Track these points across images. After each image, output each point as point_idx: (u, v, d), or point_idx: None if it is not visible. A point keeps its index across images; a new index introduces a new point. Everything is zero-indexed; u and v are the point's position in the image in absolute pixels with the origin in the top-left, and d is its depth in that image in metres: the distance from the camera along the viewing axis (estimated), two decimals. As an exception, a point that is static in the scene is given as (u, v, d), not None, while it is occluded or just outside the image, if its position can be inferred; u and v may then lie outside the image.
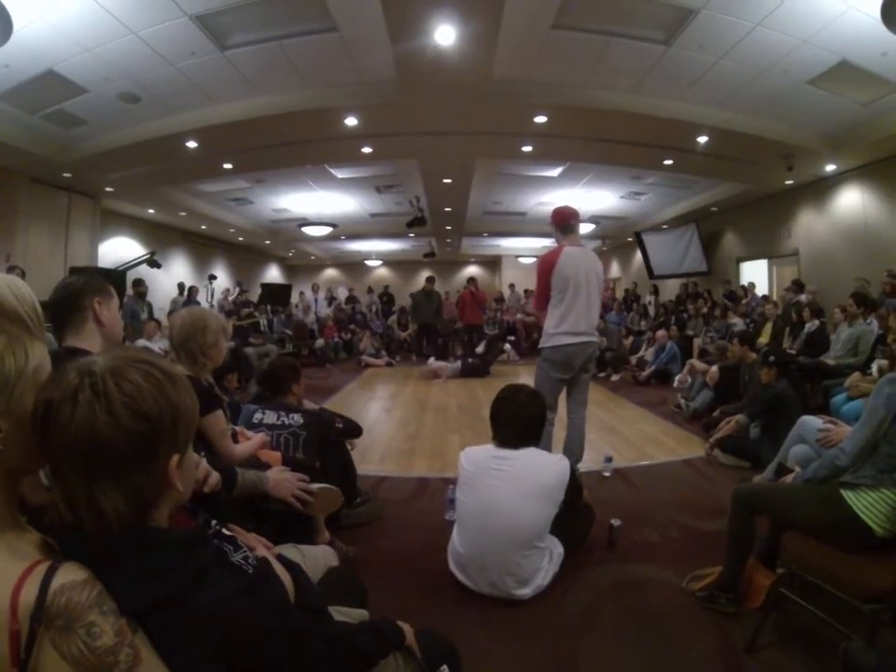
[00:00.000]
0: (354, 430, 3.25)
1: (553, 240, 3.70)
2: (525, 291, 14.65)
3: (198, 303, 9.73)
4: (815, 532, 1.91)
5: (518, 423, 2.40)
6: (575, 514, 2.57)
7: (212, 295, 11.63)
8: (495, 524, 2.24)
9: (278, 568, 1.01)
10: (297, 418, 2.84)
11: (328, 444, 2.97)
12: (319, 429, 2.91)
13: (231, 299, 11.95)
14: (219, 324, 2.16)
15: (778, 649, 1.94)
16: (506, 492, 2.25)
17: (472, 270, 20.89)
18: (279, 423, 2.81)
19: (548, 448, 3.50)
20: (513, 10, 4.40)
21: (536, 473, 2.31)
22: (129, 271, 9.20)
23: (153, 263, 9.30)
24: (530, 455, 2.37)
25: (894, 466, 1.82)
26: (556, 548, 2.40)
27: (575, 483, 2.45)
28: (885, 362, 4.32)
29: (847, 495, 1.85)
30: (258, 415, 2.86)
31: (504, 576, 2.23)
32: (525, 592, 2.25)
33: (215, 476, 1.62)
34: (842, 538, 1.84)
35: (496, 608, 2.22)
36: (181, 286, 11.07)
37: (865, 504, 1.80)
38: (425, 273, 17.14)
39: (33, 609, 0.67)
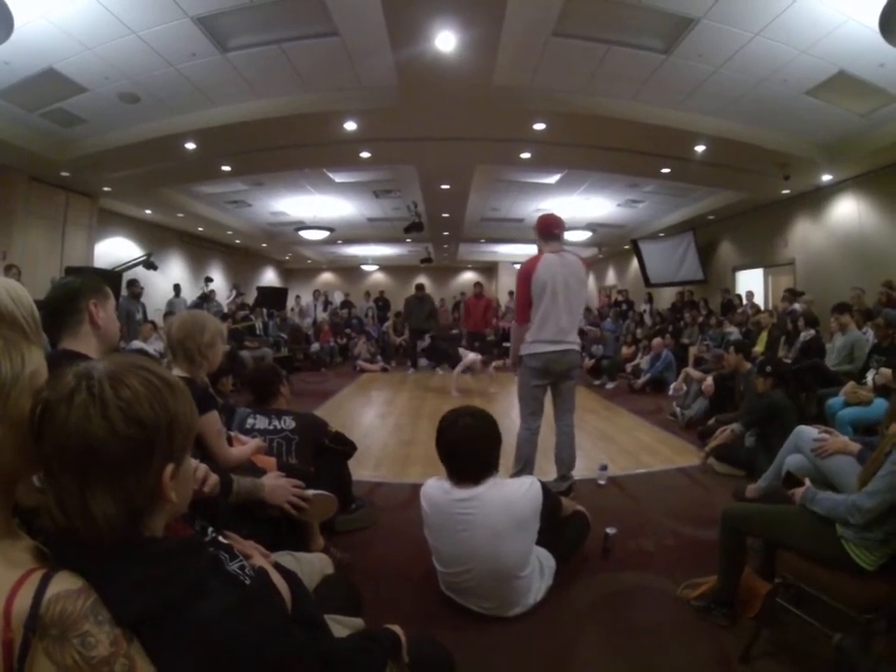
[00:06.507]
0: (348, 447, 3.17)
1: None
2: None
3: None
4: (806, 558, 1.90)
5: (465, 452, 2.12)
6: (562, 527, 2.50)
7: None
8: (474, 569, 2.13)
9: (276, 578, 1.00)
10: (289, 422, 2.80)
11: (322, 449, 2.92)
12: (312, 433, 2.88)
13: (227, 301, 11.91)
14: (217, 326, 2.18)
15: (773, 658, 1.94)
16: (479, 536, 2.08)
17: (469, 276, 20.91)
18: (271, 427, 2.77)
19: (531, 455, 3.49)
20: (514, 17, 4.41)
21: (507, 509, 2.09)
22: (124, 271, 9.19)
23: (150, 265, 9.27)
24: (496, 489, 2.13)
25: None
26: (548, 562, 2.35)
27: (551, 503, 2.25)
28: (888, 371, 4.30)
29: (847, 542, 1.82)
30: (250, 420, 2.82)
31: (495, 602, 2.19)
32: (519, 610, 2.20)
33: (214, 477, 1.60)
34: (833, 568, 1.83)
35: (490, 615, 2.20)
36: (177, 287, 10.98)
37: (862, 551, 1.78)
38: (421, 279, 17.19)
39: (26, 618, 0.66)
